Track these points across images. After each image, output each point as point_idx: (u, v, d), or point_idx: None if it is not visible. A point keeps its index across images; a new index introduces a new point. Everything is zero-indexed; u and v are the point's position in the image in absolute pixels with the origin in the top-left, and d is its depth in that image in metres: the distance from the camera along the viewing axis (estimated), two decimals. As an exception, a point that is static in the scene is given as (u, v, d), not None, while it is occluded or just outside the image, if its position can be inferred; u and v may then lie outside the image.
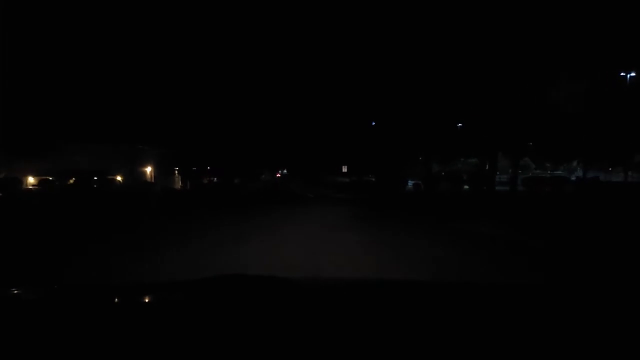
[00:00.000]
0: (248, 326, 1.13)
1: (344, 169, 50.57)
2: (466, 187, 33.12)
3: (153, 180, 54.03)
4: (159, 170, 54.74)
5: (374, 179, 47.05)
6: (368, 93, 40.39)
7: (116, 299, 1.49)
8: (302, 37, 49.41)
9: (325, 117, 51.89)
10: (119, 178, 40.57)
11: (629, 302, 1.47)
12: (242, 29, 55.41)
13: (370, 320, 1.22)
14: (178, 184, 61.74)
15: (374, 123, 46.26)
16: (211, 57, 56.37)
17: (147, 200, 24.18)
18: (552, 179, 32.36)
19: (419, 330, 1.13)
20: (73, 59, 40.09)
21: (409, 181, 37.45)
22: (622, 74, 29.22)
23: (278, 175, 79.55)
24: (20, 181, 33.73)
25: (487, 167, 32.61)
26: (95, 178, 34.21)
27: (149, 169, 55.50)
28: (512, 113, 28.20)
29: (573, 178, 37.30)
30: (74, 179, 33.10)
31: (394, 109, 36.36)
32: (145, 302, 1.52)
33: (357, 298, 1.56)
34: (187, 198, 27.88)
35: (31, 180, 35.38)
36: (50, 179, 34.18)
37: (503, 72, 27.39)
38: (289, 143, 62.95)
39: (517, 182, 30.93)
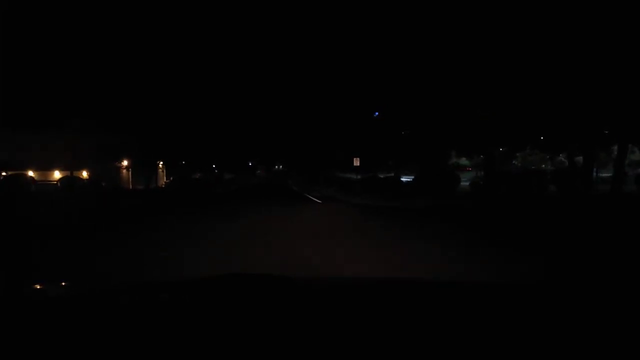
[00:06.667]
0: (248, 326, 1.11)
1: (356, 162, 39.12)
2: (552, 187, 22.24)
3: (129, 175, 45.48)
4: (137, 164, 45.17)
5: (392, 175, 36.98)
6: (389, 63, 29.62)
7: (114, 300, 1.43)
8: (302, 16, 38.10)
9: (329, 103, 41.36)
10: (30, 174, 29.96)
11: None
12: (239, 14, 43.57)
13: (371, 320, 1.18)
14: (163, 180, 53.93)
15: (377, 113, 36.34)
16: (203, 41, 44.60)
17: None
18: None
19: (419, 330, 1.09)
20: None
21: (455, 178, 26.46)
22: None
23: (261, 171, 69.98)
24: None
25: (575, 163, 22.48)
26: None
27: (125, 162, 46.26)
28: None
29: None
30: None
31: (434, 79, 25.56)
32: (145, 302, 1.44)
33: (358, 298, 1.49)
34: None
35: None
36: None
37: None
38: (286, 133, 52.69)
39: (622, 180, 21.14)
